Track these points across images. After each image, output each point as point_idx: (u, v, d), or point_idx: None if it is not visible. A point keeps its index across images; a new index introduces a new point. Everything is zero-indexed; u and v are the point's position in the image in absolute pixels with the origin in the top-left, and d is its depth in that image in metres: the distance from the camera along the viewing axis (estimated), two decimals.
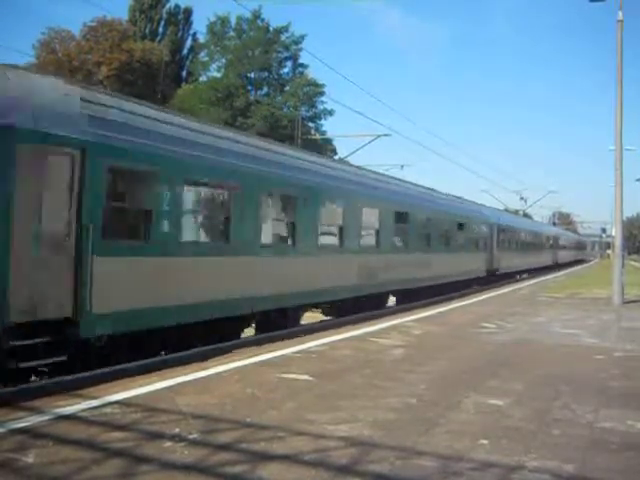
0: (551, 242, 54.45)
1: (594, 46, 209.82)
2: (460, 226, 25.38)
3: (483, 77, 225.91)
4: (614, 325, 13.82)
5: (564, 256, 62.70)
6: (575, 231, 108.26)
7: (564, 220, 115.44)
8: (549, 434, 5.48)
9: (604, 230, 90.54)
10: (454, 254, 24.19)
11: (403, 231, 19.45)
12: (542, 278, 35.04)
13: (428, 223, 21.60)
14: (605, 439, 5.37)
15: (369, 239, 17.10)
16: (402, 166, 35.38)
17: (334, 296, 15.05)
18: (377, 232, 17.30)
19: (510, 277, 35.05)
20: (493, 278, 30.39)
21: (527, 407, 6.37)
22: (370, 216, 16.96)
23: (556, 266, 52.21)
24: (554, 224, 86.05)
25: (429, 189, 25.02)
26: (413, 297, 19.48)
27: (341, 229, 15.34)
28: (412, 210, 19.92)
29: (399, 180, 22.64)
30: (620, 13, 18.64)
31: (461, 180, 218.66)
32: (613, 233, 22.25)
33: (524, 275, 39.79)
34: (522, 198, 62.61)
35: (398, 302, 20.28)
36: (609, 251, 78.28)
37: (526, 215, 64.67)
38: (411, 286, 19.68)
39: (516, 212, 59.22)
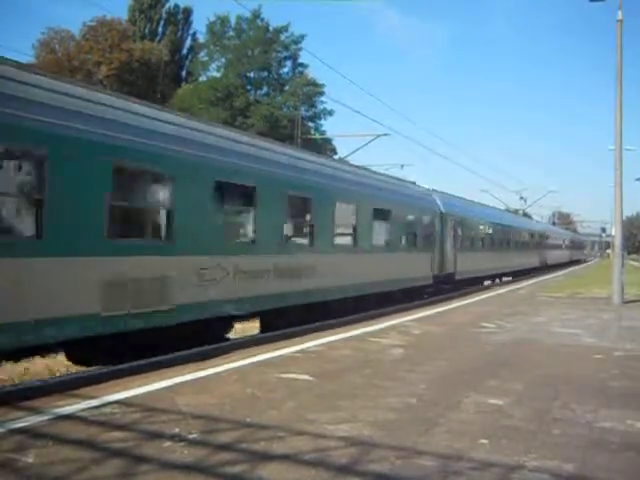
0: (537, 240, 48.44)
1: (594, 46, 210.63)
2: (381, 214, 17.85)
3: (483, 77, 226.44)
4: (614, 325, 13.81)
5: (556, 256, 57.58)
6: (575, 230, 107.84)
7: (564, 220, 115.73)
8: (549, 434, 5.48)
9: (604, 230, 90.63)
10: (369, 254, 17.02)
11: (265, 220, 12.53)
12: (541, 278, 34.99)
13: (316, 208, 14.28)
14: (605, 439, 5.37)
15: (192, 232, 10.52)
16: (402, 166, 35.43)
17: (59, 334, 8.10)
18: (206, 219, 10.85)
19: (476, 284, 27.77)
20: (448, 286, 23.56)
21: (527, 407, 6.37)
22: (193, 194, 10.51)
23: (545, 268, 47.57)
24: (554, 224, 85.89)
25: (331, 159, 17.86)
26: (287, 322, 12.89)
27: (114, 210, 8.93)
28: (284, 187, 13.10)
29: (265, 142, 14.75)
30: (620, 13, 18.65)
31: (461, 180, 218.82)
32: (613, 233, 22.25)
33: (504, 279, 34.81)
34: (522, 198, 62.78)
35: (265, 329, 13.28)
36: (609, 251, 78.34)
37: (526, 215, 64.39)
38: (282, 304, 13.08)
39: (516, 212, 59.14)
